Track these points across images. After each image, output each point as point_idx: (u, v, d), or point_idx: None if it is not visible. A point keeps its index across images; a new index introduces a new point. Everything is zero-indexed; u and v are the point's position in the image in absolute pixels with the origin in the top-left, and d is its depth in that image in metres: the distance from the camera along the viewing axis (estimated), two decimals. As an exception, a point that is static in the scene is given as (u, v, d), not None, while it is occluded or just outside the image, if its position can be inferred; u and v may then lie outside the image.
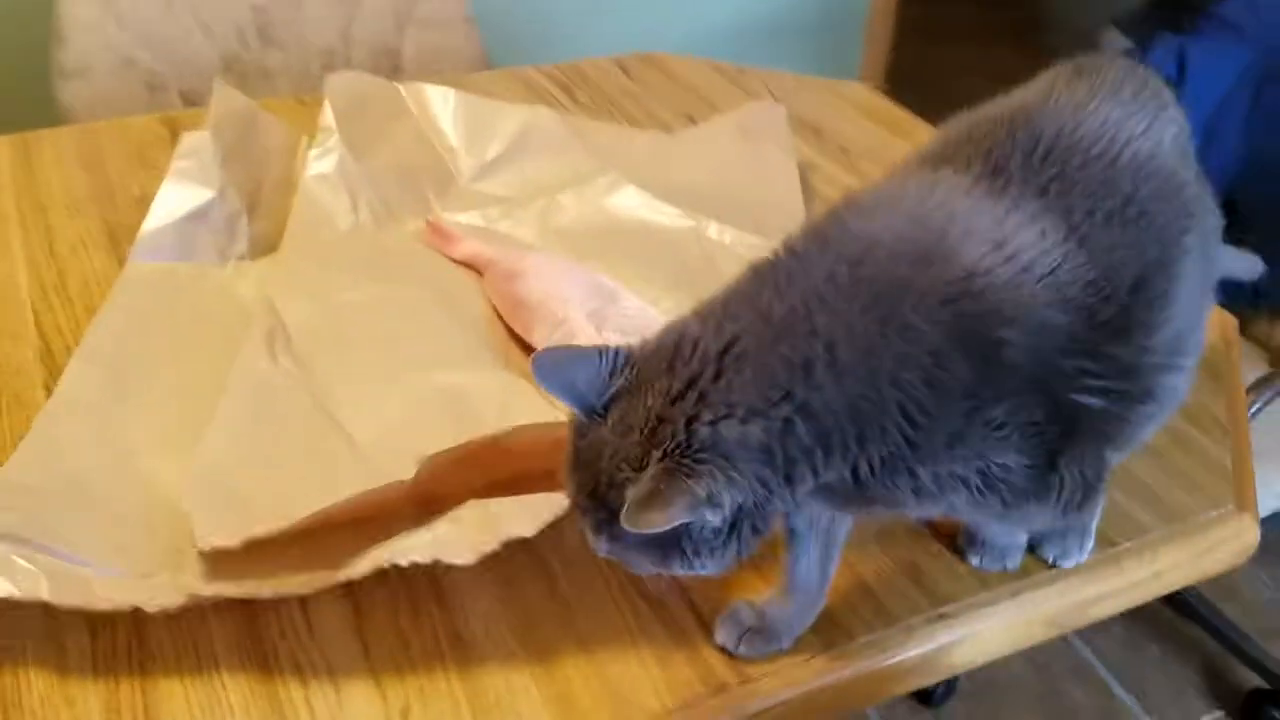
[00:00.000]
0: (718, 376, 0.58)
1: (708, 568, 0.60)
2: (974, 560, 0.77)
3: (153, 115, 1.32)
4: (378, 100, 1.18)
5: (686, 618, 0.73)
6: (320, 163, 1.09)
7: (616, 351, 0.61)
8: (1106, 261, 0.65)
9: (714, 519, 0.57)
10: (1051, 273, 0.63)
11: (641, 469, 0.57)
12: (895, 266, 0.62)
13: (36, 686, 0.68)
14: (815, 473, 0.59)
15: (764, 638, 0.71)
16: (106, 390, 0.88)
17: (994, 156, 0.68)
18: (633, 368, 0.60)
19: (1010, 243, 0.64)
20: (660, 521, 0.55)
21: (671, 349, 0.60)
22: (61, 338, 0.96)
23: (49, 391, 0.89)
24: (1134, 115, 0.70)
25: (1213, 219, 0.75)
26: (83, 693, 0.68)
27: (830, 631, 0.71)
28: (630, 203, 1.11)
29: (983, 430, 0.61)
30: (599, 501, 0.59)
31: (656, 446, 0.57)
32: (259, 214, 1.08)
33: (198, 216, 1.04)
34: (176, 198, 1.04)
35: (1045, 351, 0.62)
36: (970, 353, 0.60)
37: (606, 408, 0.60)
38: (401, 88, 1.20)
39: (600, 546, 0.61)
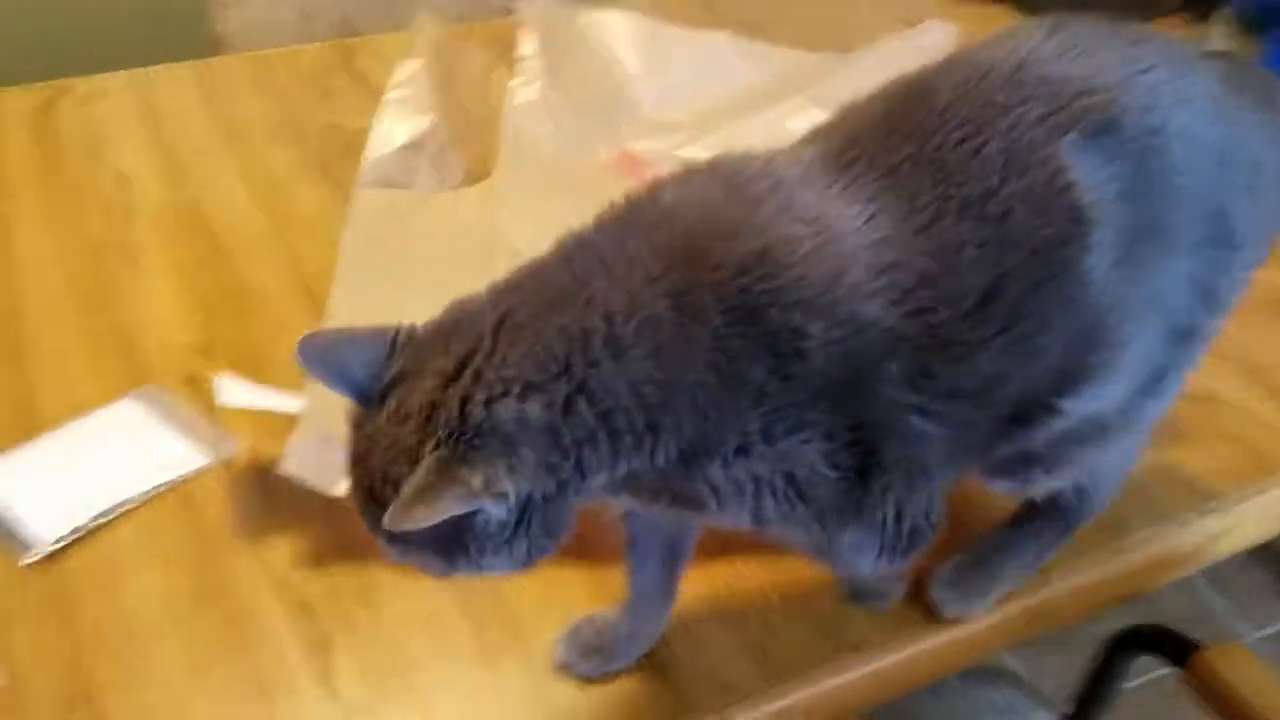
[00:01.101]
0: (492, 351, 0.53)
1: (496, 568, 0.55)
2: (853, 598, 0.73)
3: (323, 44, 1.34)
4: (561, 27, 1.21)
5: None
6: (524, 91, 1.13)
7: (396, 331, 0.56)
8: (953, 258, 0.56)
9: (497, 511, 0.52)
10: (876, 258, 0.55)
11: (417, 462, 0.51)
12: (693, 236, 0.55)
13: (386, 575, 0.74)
14: (611, 461, 0.53)
15: (603, 655, 0.69)
16: (372, 318, 0.92)
17: (858, 129, 0.60)
18: (414, 348, 0.55)
19: (829, 218, 0.56)
20: (428, 517, 0.49)
21: (451, 325, 0.55)
22: (308, 265, 1.01)
23: (313, 318, 0.94)
24: (1032, 99, 0.58)
25: (1170, 245, 0.59)
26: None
27: (1108, 527, 0.77)
28: (817, 127, 1.15)
29: (784, 435, 0.55)
30: (376, 501, 0.53)
31: (430, 435, 0.51)
32: (468, 142, 1.11)
33: (416, 145, 1.07)
34: (395, 126, 1.07)
35: (859, 353, 0.55)
36: (760, 344, 0.54)
37: (384, 395, 0.54)
38: (580, 14, 1.23)
39: (385, 551, 0.55)
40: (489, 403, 0.51)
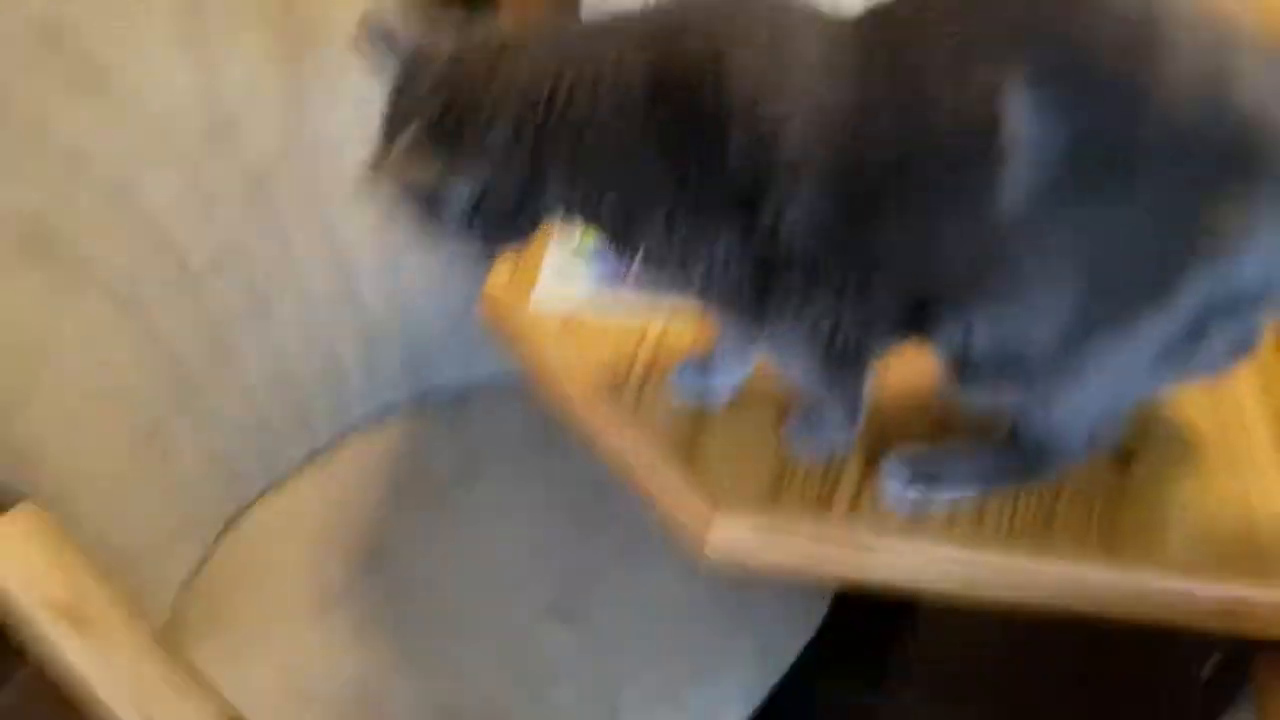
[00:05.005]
0: (501, 67, 0.61)
1: (461, 241, 0.64)
2: (795, 440, 0.74)
3: None
4: None
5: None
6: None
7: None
8: (874, 117, 0.58)
9: (457, 193, 0.62)
10: (817, 93, 0.59)
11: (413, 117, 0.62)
12: (679, 29, 0.61)
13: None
14: (563, 186, 0.62)
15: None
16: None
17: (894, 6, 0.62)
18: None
19: (799, 51, 0.60)
20: (396, 173, 0.61)
21: (502, 39, 0.63)
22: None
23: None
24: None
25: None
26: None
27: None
28: None
29: (707, 209, 0.61)
30: (388, 132, 0.64)
31: (436, 104, 0.62)
32: None
33: None
34: None
35: (768, 171, 0.59)
36: (689, 134, 0.60)
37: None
38: None
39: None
40: (479, 105, 0.61)
